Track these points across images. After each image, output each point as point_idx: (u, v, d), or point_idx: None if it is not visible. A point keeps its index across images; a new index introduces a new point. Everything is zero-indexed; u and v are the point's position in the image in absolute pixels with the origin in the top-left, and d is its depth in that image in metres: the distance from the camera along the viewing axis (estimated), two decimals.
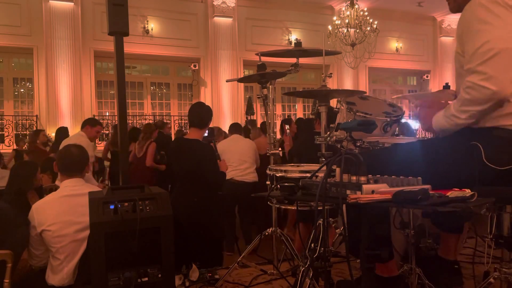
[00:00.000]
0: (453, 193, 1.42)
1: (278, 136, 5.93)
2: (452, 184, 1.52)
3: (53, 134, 9.03)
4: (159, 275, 1.97)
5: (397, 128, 2.54)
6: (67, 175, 2.53)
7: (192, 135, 3.34)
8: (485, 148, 1.66)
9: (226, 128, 6.90)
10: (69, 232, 2.36)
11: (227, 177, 4.46)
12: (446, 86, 2.31)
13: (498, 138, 1.69)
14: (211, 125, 4.98)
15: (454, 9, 1.92)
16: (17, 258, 2.30)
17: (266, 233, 2.97)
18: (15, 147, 8.65)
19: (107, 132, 9.77)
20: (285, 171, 2.45)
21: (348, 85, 12.08)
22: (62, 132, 6.57)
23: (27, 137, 9.23)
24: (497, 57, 1.59)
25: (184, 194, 3.23)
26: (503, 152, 1.66)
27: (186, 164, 3.27)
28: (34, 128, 9.36)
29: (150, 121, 9.73)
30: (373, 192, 1.38)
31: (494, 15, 1.63)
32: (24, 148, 7.96)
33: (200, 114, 3.35)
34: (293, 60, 2.88)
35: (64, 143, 4.34)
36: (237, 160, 4.75)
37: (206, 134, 3.74)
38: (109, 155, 6.81)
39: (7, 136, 9.58)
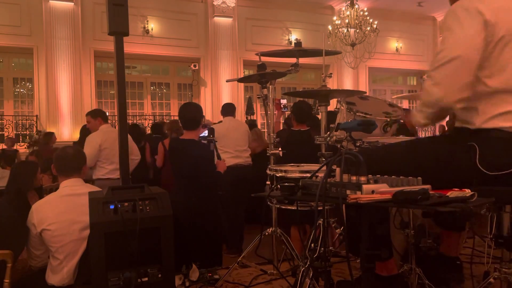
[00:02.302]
0: (453, 193, 1.42)
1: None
2: (452, 184, 1.52)
3: None
4: (159, 275, 1.97)
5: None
6: (65, 176, 2.53)
7: (187, 136, 3.35)
8: (481, 149, 1.65)
9: None
10: (69, 231, 2.36)
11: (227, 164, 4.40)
12: None
13: (495, 140, 1.67)
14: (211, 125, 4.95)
15: None
16: (15, 258, 2.30)
17: (266, 233, 2.97)
18: (15, 147, 8.63)
19: None
20: (285, 171, 2.45)
21: (348, 85, 12.07)
22: (88, 131, 6.49)
23: (27, 137, 9.24)
24: (448, 64, 1.64)
25: (181, 193, 3.23)
26: (498, 155, 1.65)
27: (181, 164, 3.28)
28: (34, 129, 9.36)
29: (150, 121, 9.74)
30: (373, 192, 1.38)
31: (458, 22, 1.66)
32: (23, 148, 7.95)
33: (188, 115, 3.34)
34: (293, 60, 2.89)
35: (108, 134, 4.35)
36: (233, 146, 4.68)
37: (205, 134, 3.72)
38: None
39: (7, 136, 9.57)
